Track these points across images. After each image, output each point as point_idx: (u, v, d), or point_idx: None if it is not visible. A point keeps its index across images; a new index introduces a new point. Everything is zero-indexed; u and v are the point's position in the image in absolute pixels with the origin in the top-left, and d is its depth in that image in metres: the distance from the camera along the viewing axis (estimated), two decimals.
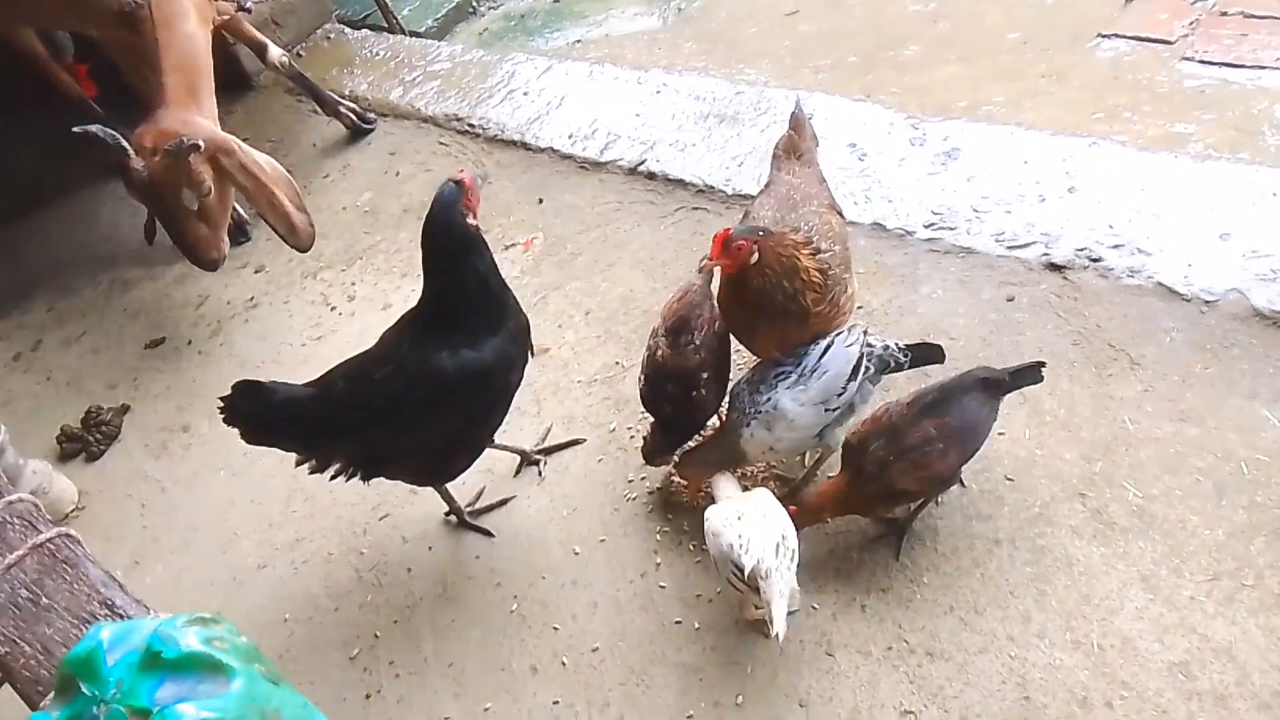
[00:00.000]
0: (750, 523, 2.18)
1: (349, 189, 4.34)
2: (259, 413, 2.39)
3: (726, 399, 2.58)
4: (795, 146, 2.76)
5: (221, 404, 2.39)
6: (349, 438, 2.42)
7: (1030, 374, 2.39)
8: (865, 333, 2.44)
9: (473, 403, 2.42)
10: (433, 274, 2.40)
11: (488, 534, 2.77)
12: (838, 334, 2.41)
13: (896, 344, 2.47)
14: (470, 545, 2.78)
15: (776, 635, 2.05)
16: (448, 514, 2.83)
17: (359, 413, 2.37)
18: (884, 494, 2.32)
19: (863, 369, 2.39)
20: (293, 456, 3.14)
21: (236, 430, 2.43)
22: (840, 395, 2.37)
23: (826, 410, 2.38)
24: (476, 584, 2.68)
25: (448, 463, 2.60)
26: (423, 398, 2.34)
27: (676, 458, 2.63)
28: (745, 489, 2.49)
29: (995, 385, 2.35)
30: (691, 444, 2.65)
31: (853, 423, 2.46)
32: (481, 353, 2.32)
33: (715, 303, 2.60)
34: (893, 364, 2.46)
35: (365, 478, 2.52)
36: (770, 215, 2.52)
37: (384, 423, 2.36)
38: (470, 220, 2.30)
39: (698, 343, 2.52)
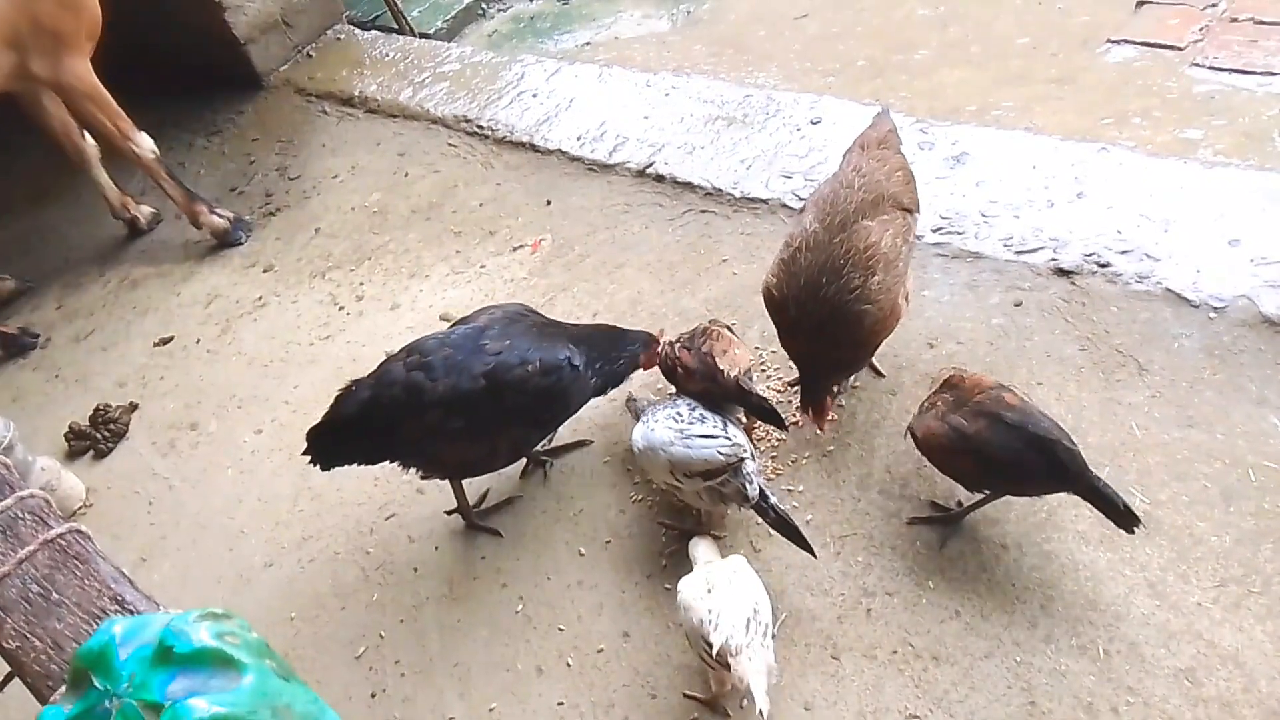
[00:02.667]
0: (720, 596, 2.12)
1: (358, 189, 4.36)
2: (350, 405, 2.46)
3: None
4: (868, 138, 2.71)
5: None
6: (435, 409, 2.41)
7: (1115, 512, 2.17)
8: (743, 459, 2.32)
9: (553, 404, 2.55)
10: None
11: (496, 533, 2.78)
12: (728, 438, 2.34)
13: (767, 495, 2.36)
14: (477, 546, 2.78)
15: (761, 712, 1.98)
16: (450, 512, 2.84)
17: (462, 354, 2.42)
18: (913, 429, 2.43)
19: (717, 480, 2.32)
20: (299, 460, 3.18)
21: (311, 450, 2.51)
22: (687, 478, 2.35)
23: (673, 474, 2.37)
24: (482, 584, 2.69)
25: (502, 455, 2.65)
26: (529, 374, 2.44)
27: None
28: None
29: (1063, 474, 2.18)
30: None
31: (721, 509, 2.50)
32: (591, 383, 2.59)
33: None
34: (750, 505, 2.35)
35: (424, 464, 2.59)
36: (815, 225, 2.51)
37: (481, 394, 2.40)
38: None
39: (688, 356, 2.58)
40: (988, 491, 2.40)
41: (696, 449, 2.33)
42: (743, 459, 2.32)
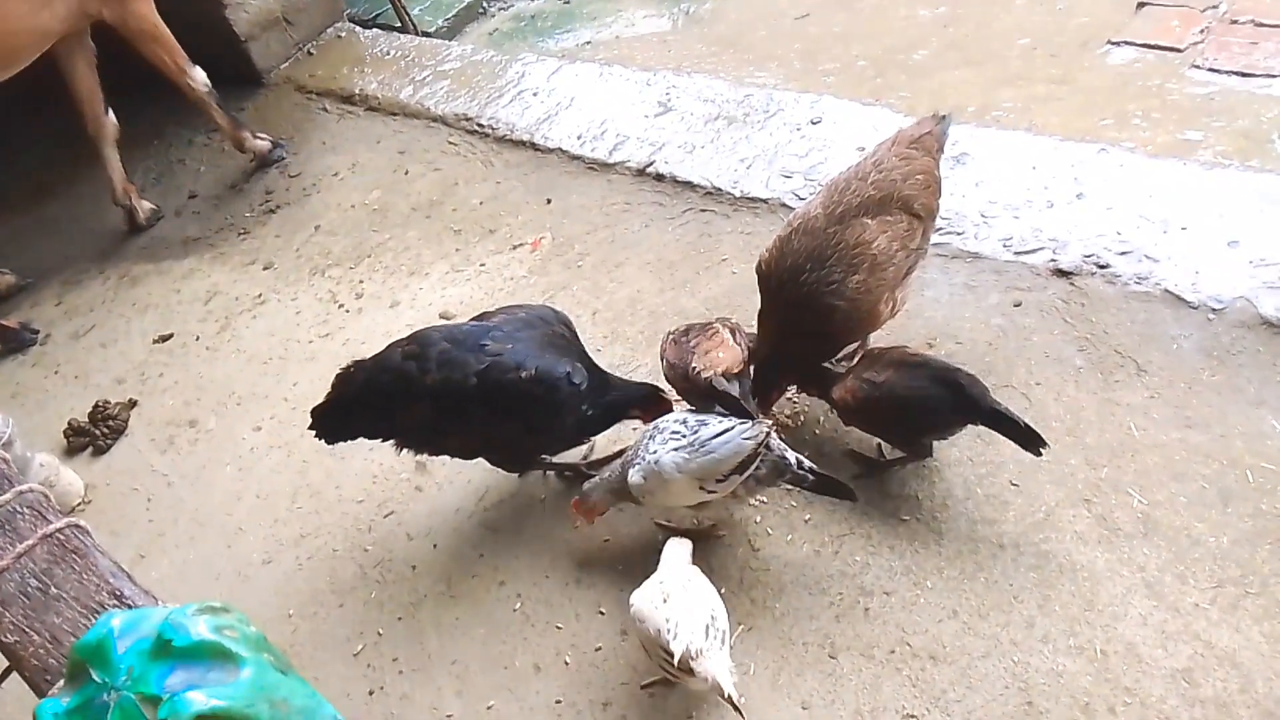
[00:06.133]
0: (677, 604, 2.11)
1: (358, 187, 4.36)
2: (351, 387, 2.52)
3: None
4: (904, 135, 2.66)
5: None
6: (426, 400, 2.44)
7: (1019, 433, 2.32)
8: (769, 434, 2.31)
9: (558, 415, 2.51)
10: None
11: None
12: (741, 424, 2.30)
13: (801, 460, 2.37)
14: (475, 544, 2.78)
15: (730, 698, 2.01)
16: (560, 473, 2.88)
17: (460, 350, 2.43)
18: (832, 395, 2.54)
19: (752, 467, 2.29)
20: (298, 458, 3.18)
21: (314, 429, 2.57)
22: (720, 481, 2.28)
23: (703, 488, 2.30)
24: (481, 582, 2.69)
25: (499, 452, 2.69)
26: (527, 384, 2.41)
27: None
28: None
29: (967, 401, 2.34)
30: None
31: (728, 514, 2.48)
32: (596, 401, 2.53)
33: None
34: (789, 475, 2.36)
35: (423, 449, 2.63)
36: (818, 210, 2.52)
37: (472, 392, 2.40)
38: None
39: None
40: (913, 444, 2.55)
41: (721, 449, 2.26)
42: (768, 434, 2.30)
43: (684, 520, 2.62)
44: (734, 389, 2.51)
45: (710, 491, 2.31)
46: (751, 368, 2.63)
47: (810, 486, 2.40)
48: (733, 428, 2.28)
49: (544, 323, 2.58)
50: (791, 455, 2.36)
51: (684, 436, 2.32)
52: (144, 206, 4.54)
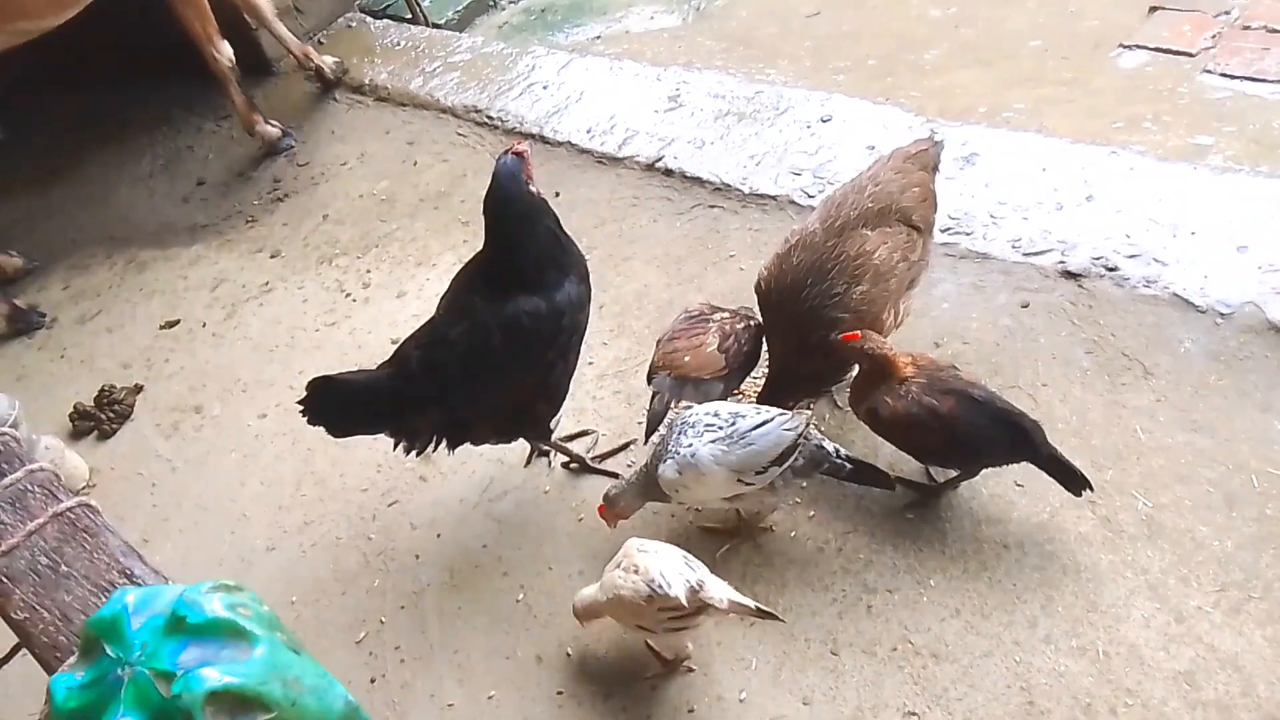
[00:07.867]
0: (648, 564, 2.10)
1: (366, 177, 4.36)
2: (339, 406, 2.41)
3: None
4: (901, 150, 2.68)
5: (301, 406, 2.39)
6: (433, 405, 2.43)
7: (1071, 477, 2.31)
8: (809, 425, 2.31)
9: (549, 346, 2.46)
10: (501, 237, 2.45)
11: (614, 475, 2.77)
12: (781, 414, 2.29)
13: (839, 450, 2.37)
14: (478, 534, 2.79)
15: (758, 608, 2.04)
16: (566, 464, 2.87)
17: (440, 374, 2.38)
18: (876, 409, 2.40)
19: (792, 458, 2.28)
20: (303, 445, 3.18)
21: (322, 428, 2.44)
22: (759, 473, 2.26)
23: (740, 480, 2.27)
24: (484, 573, 2.69)
25: (531, 415, 2.63)
26: (501, 347, 2.36)
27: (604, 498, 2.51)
28: None
29: (1027, 446, 2.30)
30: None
31: (774, 501, 2.43)
32: (555, 296, 2.41)
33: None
34: (827, 466, 2.34)
35: (451, 446, 2.56)
36: (816, 225, 2.53)
37: (465, 380, 2.38)
38: (531, 187, 2.40)
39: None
40: (951, 468, 2.50)
41: (761, 441, 2.24)
42: (808, 423, 2.29)
43: (722, 515, 2.61)
44: (665, 394, 2.50)
45: (747, 484, 2.29)
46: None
47: (848, 476, 2.38)
48: (772, 419, 2.27)
49: (467, 279, 2.50)
50: (829, 445, 2.35)
51: (720, 429, 2.28)
52: (328, 61, 4.78)
